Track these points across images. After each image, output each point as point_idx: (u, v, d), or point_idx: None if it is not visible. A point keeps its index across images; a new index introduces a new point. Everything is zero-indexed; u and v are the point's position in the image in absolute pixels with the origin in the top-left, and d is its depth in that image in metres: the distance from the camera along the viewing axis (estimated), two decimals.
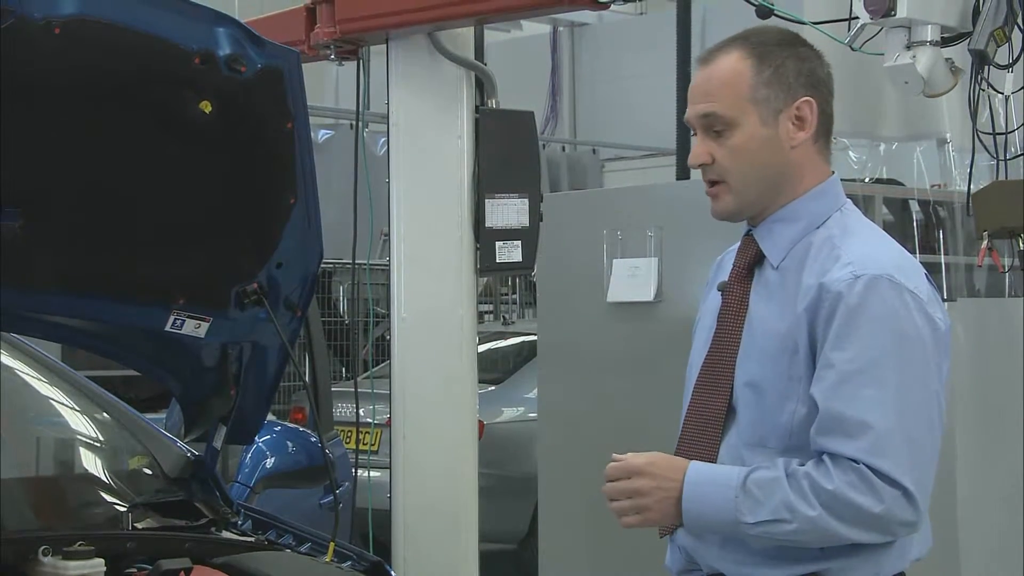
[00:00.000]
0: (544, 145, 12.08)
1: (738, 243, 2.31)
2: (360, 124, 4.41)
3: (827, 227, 2.21)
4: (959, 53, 3.70)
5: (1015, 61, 3.79)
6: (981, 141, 3.89)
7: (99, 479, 3.08)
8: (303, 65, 2.71)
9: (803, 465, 2.08)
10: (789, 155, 2.22)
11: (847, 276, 2.10)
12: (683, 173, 5.17)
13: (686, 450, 2.24)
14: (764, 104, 2.20)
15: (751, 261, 2.25)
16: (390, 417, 4.22)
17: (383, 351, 7.63)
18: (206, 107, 2.58)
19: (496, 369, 7.37)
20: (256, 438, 3.38)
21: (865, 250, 2.16)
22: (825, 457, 2.06)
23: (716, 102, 2.20)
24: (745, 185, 2.21)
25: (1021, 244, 4.04)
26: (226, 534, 2.87)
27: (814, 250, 2.18)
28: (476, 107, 4.10)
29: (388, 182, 4.19)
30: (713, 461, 2.19)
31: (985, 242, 3.89)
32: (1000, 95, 3.93)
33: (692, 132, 2.27)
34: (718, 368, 2.23)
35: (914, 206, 5.07)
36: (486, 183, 4.07)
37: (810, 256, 2.18)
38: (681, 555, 2.26)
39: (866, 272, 2.10)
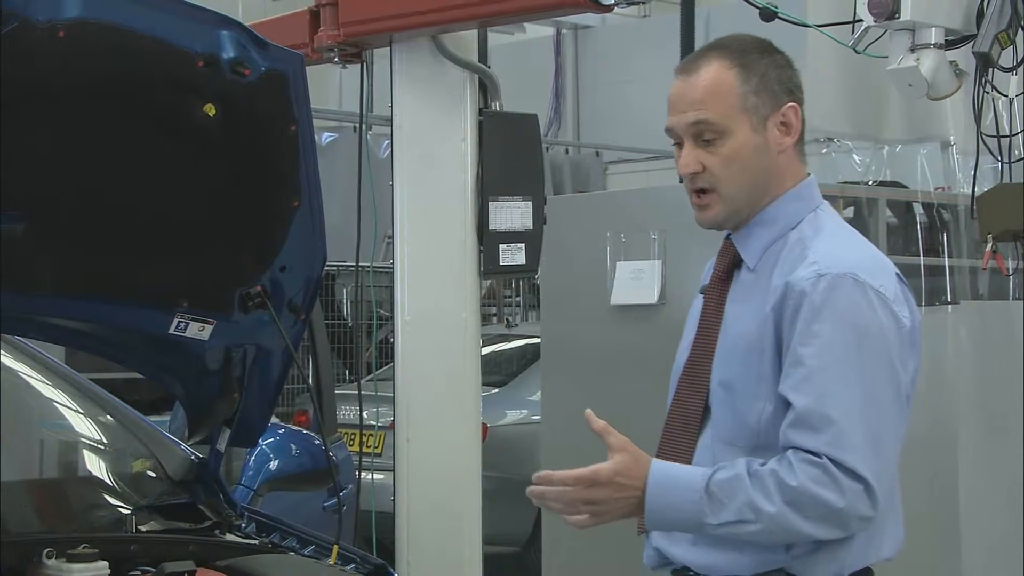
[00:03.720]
0: (547, 148, 12.08)
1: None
2: (363, 127, 4.41)
3: (800, 229, 2.26)
4: (963, 56, 3.70)
5: (1019, 64, 3.78)
6: (985, 144, 3.88)
7: (103, 482, 3.08)
8: (307, 68, 2.72)
9: (765, 464, 2.11)
10: (776, 160, 2.27)
11: (811, 275, 2.15)
12: None
13: (666, 448, 2.31)
14: (754, 112, 2.24)
15: (730, 264, 2.31)
16: (393, 420, 4.22)
17: (386, 354, 7.62)
18: (210, 110, 2.58)
19: (500, 372, 7.37)
20: (260, 441, 3.39)
21: (832, 249, 2.20)
22: (788, 453, 2.10)
23: (707, 110, 2.23)
24: (736, 192, 2.25)
25: None
26: (230, 537, 2.88)
27: (786, 251, 2.23)
28: (480, 110, 4.10)
29: (391, 185, 4.19)
30: (690, 459, 2.25)
31: (989, 245, 3.88)
32: (1004, 98, 3.93)
33: (674, 141, 2.29)
34: (697, 369, 2.29)
35: (918, 209, 5.06)
36: (489, 186, 4.06)
37: (782, 257, 2.23)
38: (656, 553, 2.32)
39: (830, 271, 2.15)
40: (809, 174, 2.33)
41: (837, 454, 2.06)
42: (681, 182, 2.32)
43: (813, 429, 2.08)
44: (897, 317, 2.17)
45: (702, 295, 2.34)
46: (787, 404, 2.12)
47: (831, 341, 2.11)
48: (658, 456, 2.28)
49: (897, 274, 2.24)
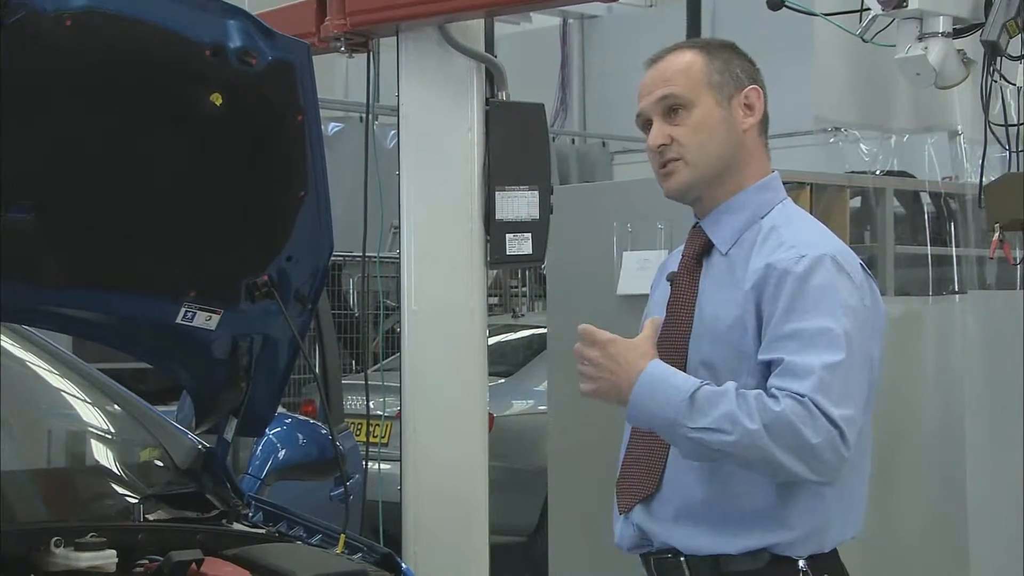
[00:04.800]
0: (554, 138, 12.05)
1: (679, 247, 2.47)
2: (370, 117, 4.41)
3: (771, 217, 2.36)
4: (971, 44, 3.69)
5: None
6: (993, 133, 3.87)
7: (110, 471, 3.09)
8: (313, 58, 2.71)
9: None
10: (741, 138, 2.38)
11: (793, 255, 2.26)
12: None
13: (641, 430, 2.36)
14: (718, 88, 2.37)
15: (699, 251, 2.41)
16: (400, 410, 4.22)
17: (393, 344, 7.62)
18: (216, 100, 2.58)
19: (506, 362, 7.37)
20: (267, 430, 3.39)
21: (807, 236, 2.32)
22: (774, 389, 2.18)
23: (674, 85, 2.37)
24: (701, 160, 2.36)
25: None
26: (237, 526, 2.88)
27: (761, 237, 2.33)
28: (486, 99, 4.09)
29: (398, 175, 4.19)
30: None
31: (996, 234, 3.87)
32: (1012, 86, 3.91)
33: (646, 127, 2.40)
34: (671, 350, 2.34)
35: (925, 198, 5.05)
36: (496, 175, 4.06)
37: (757, 243, 2.32)
38: (634, 531, 2.37)
39: (810, 252, 2.26)
40: (774, 170, 2.43)
41: (818, 397, 2.15)
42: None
43: (798, 376, 2.16)
44: (861, 304, 2.27)
45: (668, 282, 2.43)
46: (766, 372, 2.21)
47: (816, 311, 2.20)
48: (634, 433, 2.38)
49: (861, 264, 2.34)
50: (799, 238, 2.30)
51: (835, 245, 2.31)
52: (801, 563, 2.26)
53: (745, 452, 2.15)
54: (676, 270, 2.43)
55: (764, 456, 2.14)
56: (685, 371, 2.31)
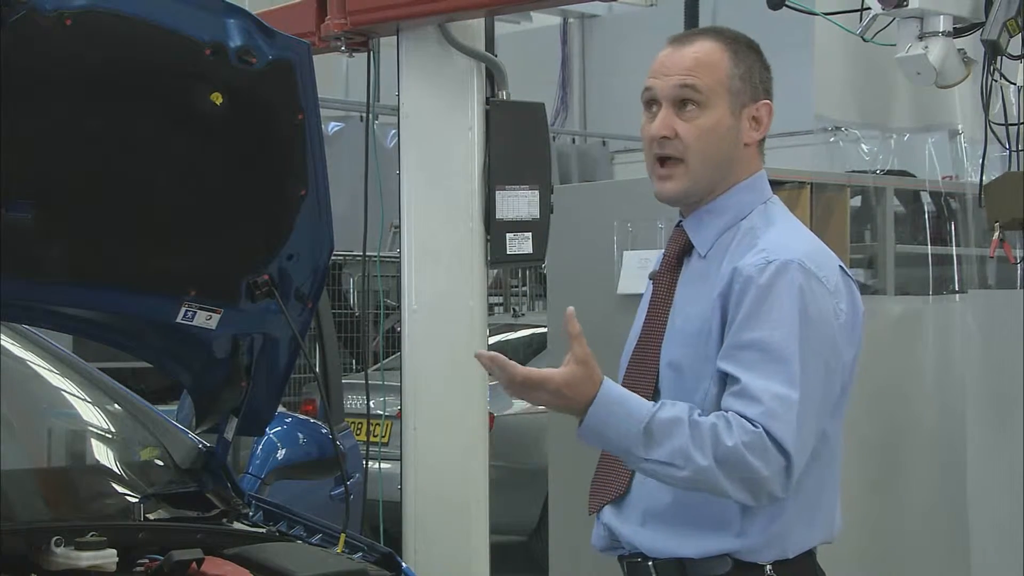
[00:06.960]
0: (554, 137, 12.06)
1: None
2: (370, 116, 4.41)
3: (751, 219, 2.33)
4: (971, 44, 3.69)
5: None
6: (993, 132, 3.87)
7: (111, 470, 3.09)
8: (313, 57, 2.71)
9: (707, 416, 2.17)
10: (740, 150, 2.34)
11: (760, 261, 2.22)
12: None
13: None
14: (735, 96, 2.31)
15: (680, 251, 2.38)
16: (400, 409, 4.22)
17: (393, 343, 7.63)
18: (217, 99, 2.58)
19: None
20: (267, 429, 3.39)
21: (781, 239, 2.27)
22: (729, 414, 2.15)
23: (697, 77, 2.29)
24: (702, 167, 2.31)
25: None
26: (237, 525, 2.88)
27: (737, 240, 2.30)
28: (487, 99, 4.09)
29: (398, 174, 4.18)
30: None
31: (997, 234, 3.87)
32: (1012, 86, 3.91)
33: (653, 107, 2.32)
34: (647, 351, 2.35)
35: (925, 198, 5.06)
36: (496, 175, 4.06)
37: (732, 246, 2.29)
38: (604, 532, 2.38)
39: (778, 258, 2.22)
40: (762, 168, 2.39)
41: (770, 425, 2.13)
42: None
43: (753, 400, 2.15)
44: (835, 309, 2.24)
45: (651, 281, 2.40)
46: (725, 379, 2.20)
47: (776, 323, 2.18)
48: None
49: (841, 266, 2.31)
50: (772, 241, 2.25)
51: (807, 248, 2.27)
52: (768, 568, 2.25)
53: (692, 485, 2.17)
54: (659, 269, 2.42)
55: (712, 488, 2.16)
56: (657, 373, 2.30)
